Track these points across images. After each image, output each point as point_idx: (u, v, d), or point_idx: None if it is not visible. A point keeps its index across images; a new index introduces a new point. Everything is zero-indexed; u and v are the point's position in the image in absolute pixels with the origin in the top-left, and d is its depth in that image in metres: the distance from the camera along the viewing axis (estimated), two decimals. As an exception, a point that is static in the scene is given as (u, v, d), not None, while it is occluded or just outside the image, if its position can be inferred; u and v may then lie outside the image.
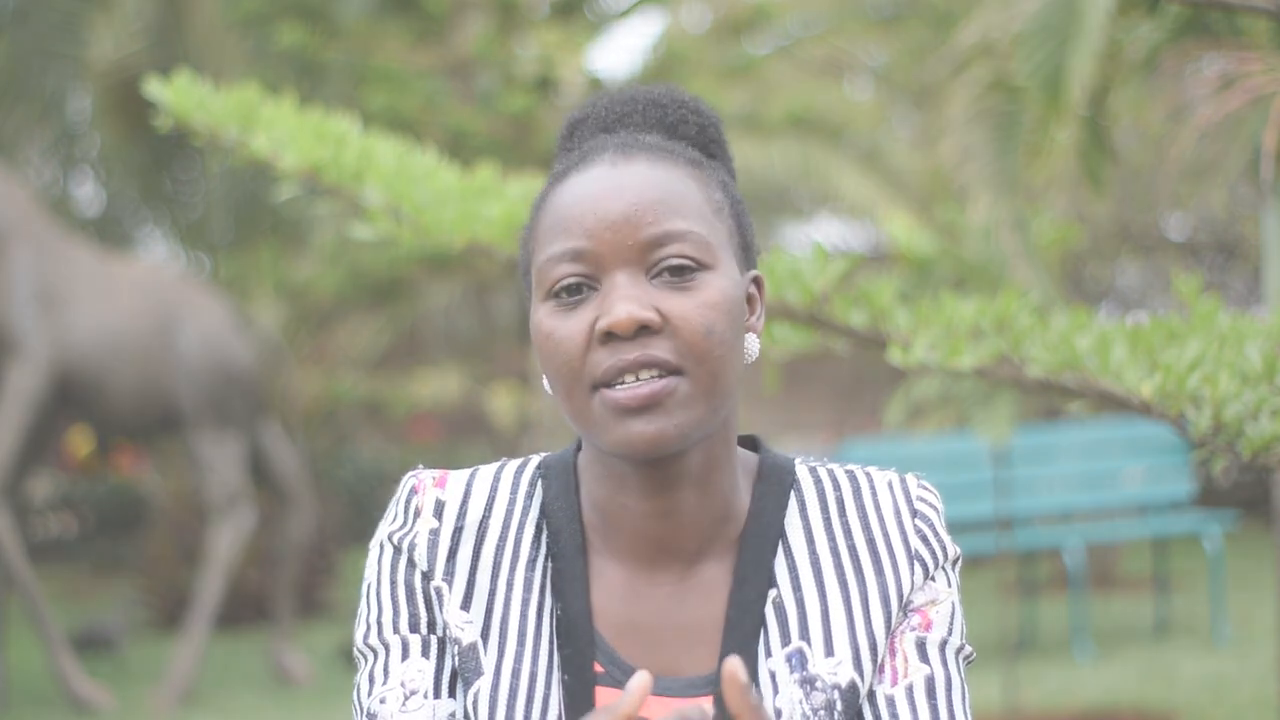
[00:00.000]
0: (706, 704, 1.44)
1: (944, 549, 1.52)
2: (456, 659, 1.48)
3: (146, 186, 13.03)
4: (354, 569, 12.06)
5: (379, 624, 1.50)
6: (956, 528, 7.55)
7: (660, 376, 1.40)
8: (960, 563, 1.54)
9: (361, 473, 14.46)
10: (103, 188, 14.04)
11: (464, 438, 15.79)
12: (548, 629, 1.47)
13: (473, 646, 1.47)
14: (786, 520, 1.51)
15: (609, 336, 1.40)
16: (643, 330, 1.40)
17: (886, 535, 1.51)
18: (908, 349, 3.01)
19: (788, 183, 12.59)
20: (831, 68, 14.50)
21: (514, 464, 1.56)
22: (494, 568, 1.49)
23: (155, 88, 3.61)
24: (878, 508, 1.52)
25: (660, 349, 1.40)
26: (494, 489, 1.53)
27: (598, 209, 1.43)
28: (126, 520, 14.09)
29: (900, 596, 1.49)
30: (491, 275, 9.52)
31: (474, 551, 1.50)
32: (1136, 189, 11.91)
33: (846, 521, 1.51)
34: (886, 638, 1.48)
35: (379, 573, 1.51)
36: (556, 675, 1.46)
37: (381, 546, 1.52)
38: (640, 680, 1.24)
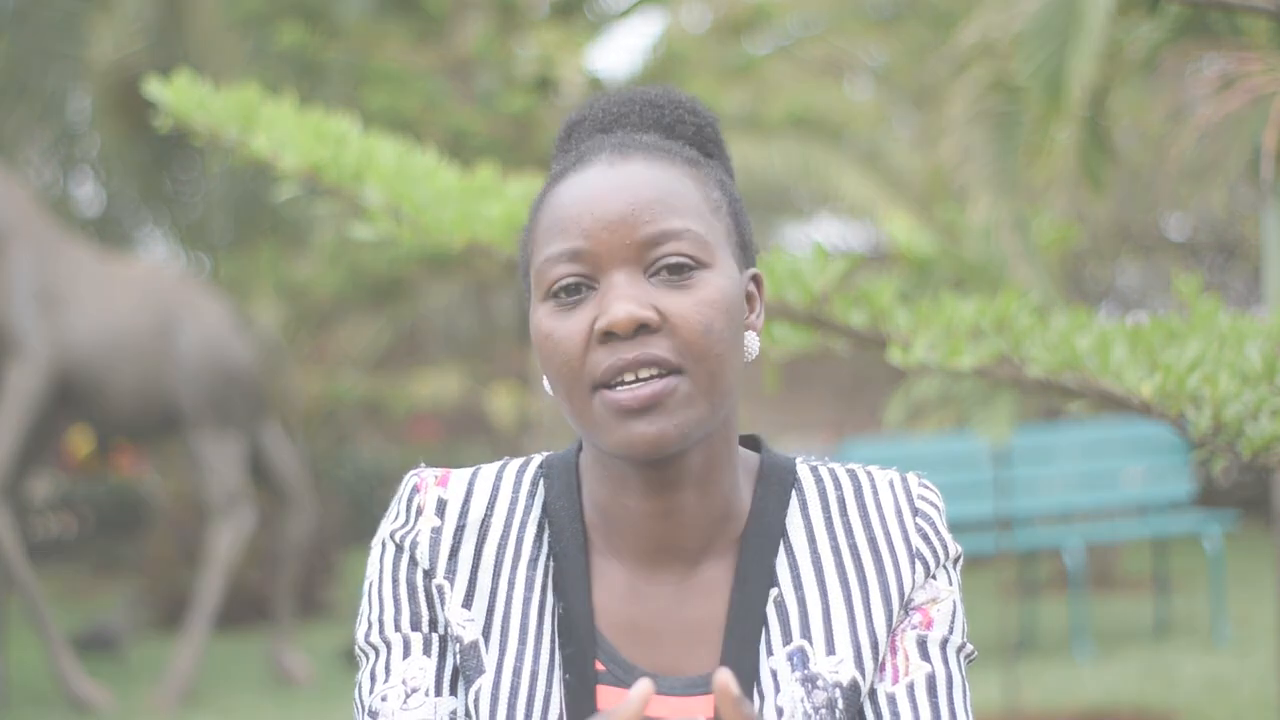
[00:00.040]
0: (707, 704, 1.45)
1: (945, 547, 1.52)
2: (458, 657, 1.48)
3: (146, 186, 13.03)
4: (354, 569, 12.06)
5: (380, 622, 1.50)
6: (956, 527, 7.54)
7: (660, 376, 1.40)
8: (961, 561, 1.54)
9: (361, 473, 14.46)
10: (103, 188, 14.04)
11: (464, 438, 15.79)
12: (549, 628, 1.47)
13: (474, 645, 1.47)
14: (788, 519, 1.51)
15: (608, 336, 1.40)
16: (642, 329, 1.40)
17: (888, 534, 1.51)
18: (908, 349, 3.01)
19: (788, 183, 12.58)
20: (831, 68, 14.49)
21: (516, 463, 1.56)
22: (496, 566, 1.50)
23: (155, 88, 3.61)
24: (879, 506, 1.52)
25: (659, 348, 1.40)
26: (496, 488, 1.53)
27: (595, 209, 1.43)
28: (126, 520, 14.09)
29: (901, 595, 1.49)
30: (491, 275, 9.52)
31: (476, 550, 1.50)
32: (1136, 189, 11.91)
33: (848, 520, 1.51)
34: (888, 636, 1.48)
35: (381, 571, 1.52)
36: (558, 674, 1.46)
37: (383, 545, 1.52)
38: (643, 687, 1.24)
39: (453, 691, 1.48)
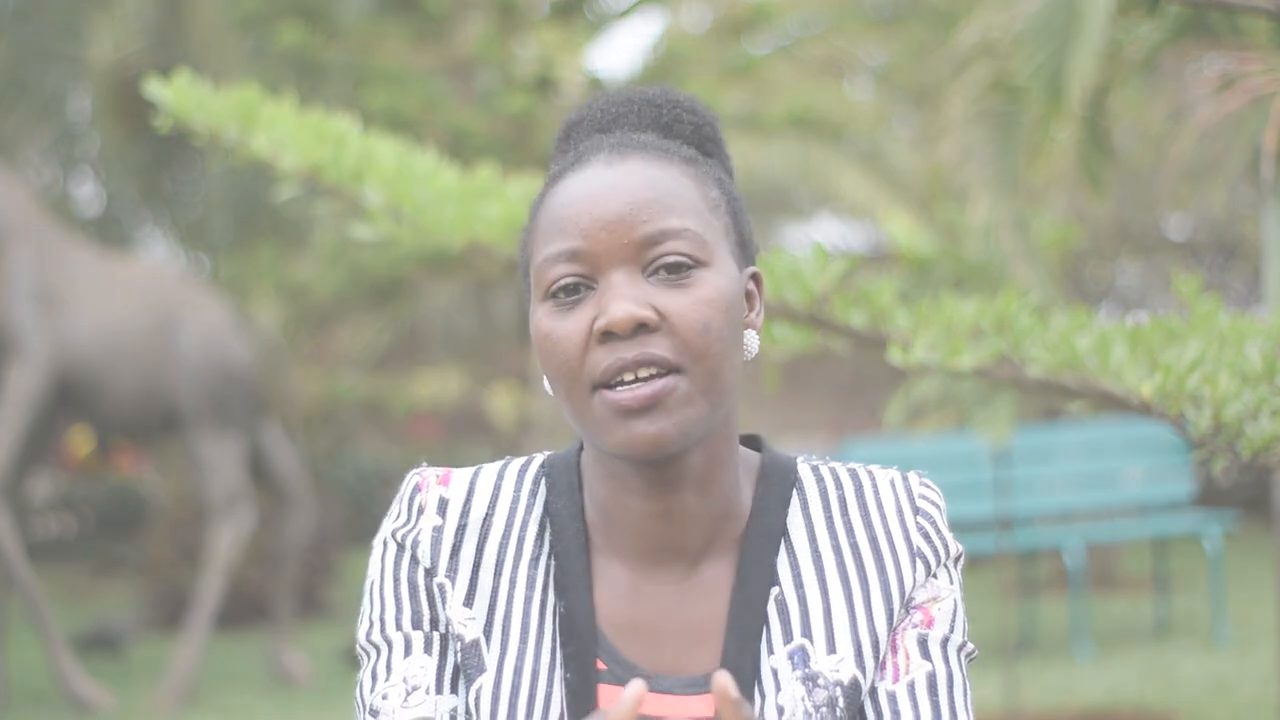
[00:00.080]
0: (708, 703, 1.45)
1: (946, 546, 1.52)
2: (459, 656, 1.48)
3: (146, 186, 13.03)
4: (354, 569, 12.06)
5: (382, 621, 1.50)
6: (956, 527, 7.54)
7: (659, 375, 1.40)
8: (963, 560, 1.54)
9: (361, 473, 14.46)
10: (103, 188, 14.04)
11: (464, 438, 15.79)
12: (550, 626, 1.47)
13: (475, 643, 1.47)
14: (789, 518, 1.51)
15: (607, 336, 1.41)
16: (641, 328, 1.40)
17: (889, 533, 1.51)
18: (908, 349, 3.01)
19: (788, 183, 12.59)
20: (831, 68, 14.49)
21: (518, 462, 1.56)
22: (497, 565, 1.50)
23: (155, 88, 3.61)
24: (880, 505, 1.52)
25: (658, 347, 1.40)
26: (497, 487, 1.53)
27: (593, 209, 1.44)
28: (126, 520, 14.09)
29: (902, 594, 1.49)
30: (491, 275, 9.51)
31: (477, 548, 1.50)
32: (1136, 189, 11.91)
33: (849, 519, 1.52)
34: (888, 635, 1.48)
35: (382, 570, 1.52)
36: (559, 673, 1.46)
37: (385, 544, 1.53)
38: (636, 687, 1.24)
39: (453, 690, 1.48)
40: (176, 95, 3.58)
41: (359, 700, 1.50)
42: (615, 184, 1.45)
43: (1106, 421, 9.49)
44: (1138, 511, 9.58)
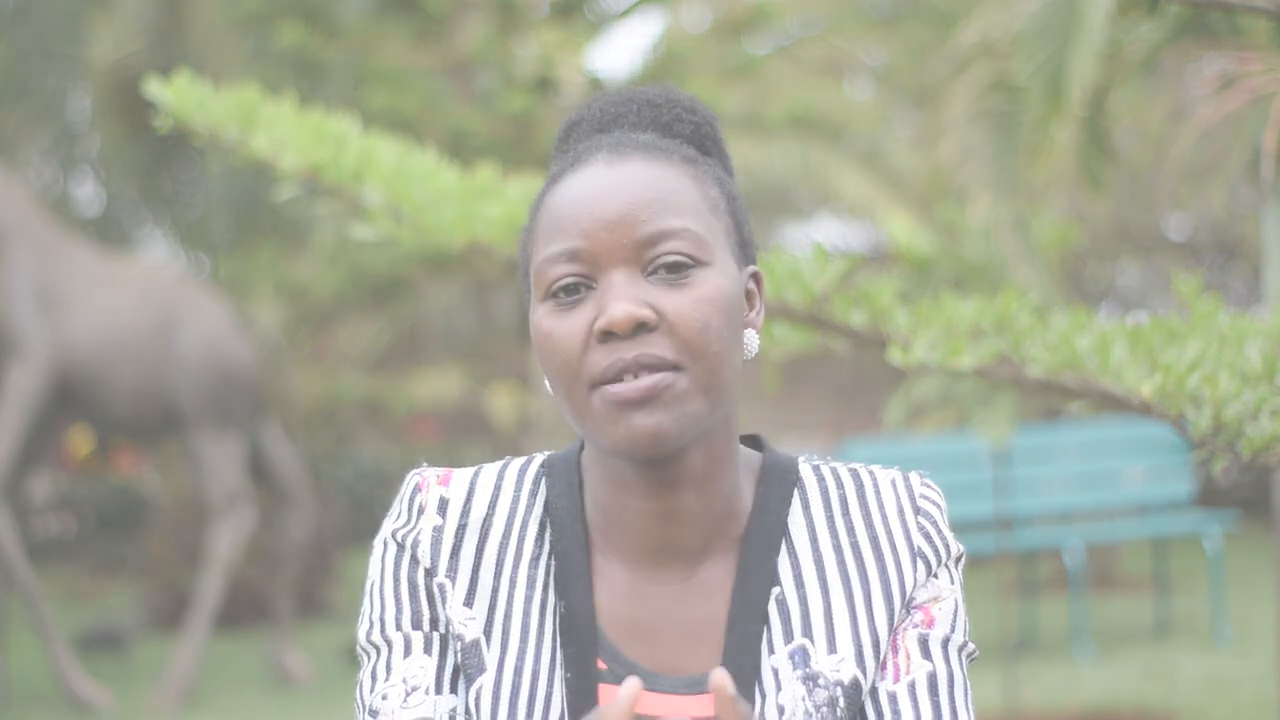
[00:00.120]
0: (708, 703, 1.45)
1: (947, 547, 1.52)
2: (459, 655, 1.48)
3: (146, 186, 13.03)
4: (354, 569, 12.07)
5: (382, 621, 1.50)
6: (956, 527, 7.54)
7: (659, 370, 1.41)
8: (964, 560, 1.54)
9: (361, 473, 14.46)
10: (103, 188, 14.04)
11: (464, 438, 15.80)
12: (550, 626, 1.47)
13: (475, 643, 1.47)
14: (790, 518, 1.51)
15: (607, 335, 1.41)
16: (640, 328, 1.40)
17: (889, 533, 1.51)
18: (908, 349, 3.01)
19: (788, 183, 12.59)
20: (831, 68, 14.50)
21: (518, 462, 1.56)
22: (497, 565, 1.50)
23: (155, 88, 3.61)
24: (881, 506, 1.52)
25: (658, 346, 1.40)
26: (498, 487, 1.53)
27: (593, 209, 1.44)
28: (126, 520, 14.09)
29: (903, 594, 1.49)
30: (491, 275, 9.52)
31: (477, 548, 1.50)
32: (1136, 189, 11.91)
33: (850, 519, 1.52)
34: (889, 635, 1.48)
35: (382, 570, 1.52)
36: (559, 672, 1.46)
37: (385, 544, 1.53)
38: (632, 686, 1.24)
39: (453, 690, 1.48)
40: (176, 95, 3.58)
41: (359, 700, 1.50)
42: (615, 184, 1.45)
43: (1106, 421, 9.49)
44: (1138, 511, 9.58)
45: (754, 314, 1.51)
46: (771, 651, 1.46)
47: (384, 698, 1.47)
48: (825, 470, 1.55)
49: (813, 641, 1.47)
